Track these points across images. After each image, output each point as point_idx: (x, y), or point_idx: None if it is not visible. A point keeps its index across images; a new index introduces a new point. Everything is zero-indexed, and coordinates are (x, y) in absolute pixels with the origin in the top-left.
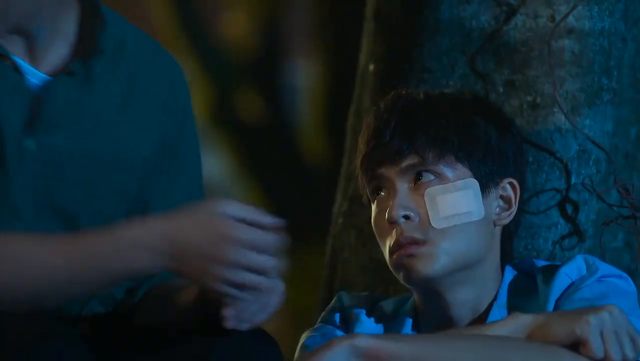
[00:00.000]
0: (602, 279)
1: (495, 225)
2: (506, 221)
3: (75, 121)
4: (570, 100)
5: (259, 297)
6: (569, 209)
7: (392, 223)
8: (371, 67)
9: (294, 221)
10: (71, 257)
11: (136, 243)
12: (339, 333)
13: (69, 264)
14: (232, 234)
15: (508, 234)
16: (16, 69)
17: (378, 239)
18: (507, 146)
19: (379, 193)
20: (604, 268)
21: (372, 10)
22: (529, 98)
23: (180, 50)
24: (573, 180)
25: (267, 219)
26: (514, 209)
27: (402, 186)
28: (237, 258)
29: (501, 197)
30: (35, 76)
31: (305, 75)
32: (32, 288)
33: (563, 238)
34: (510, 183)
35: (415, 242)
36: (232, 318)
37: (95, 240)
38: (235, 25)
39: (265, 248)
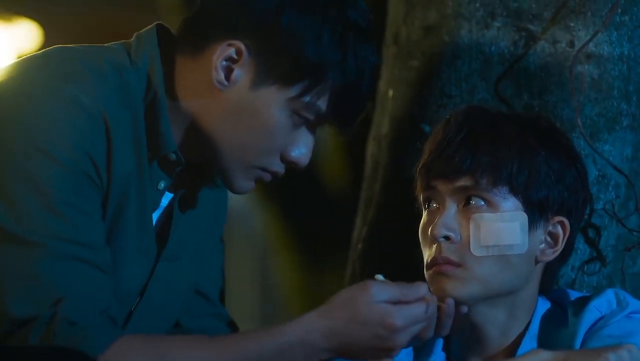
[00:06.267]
0: (631, 315)
1: (537, 261)
2: (549, 259)
3: (185, 249)
4: (590, 125)
5: None
6: (591, 234)
7: (434, 239)
8: (390, 92)
9: (313, 247)
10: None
11: (298, 344)
12: None
13: None
14: (392, 325)
15: (551, 270)
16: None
17: (421, 246)
18: (567, 183)
19: (430, 203)
20: (634, 304)
21: (392, 35)
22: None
23: None
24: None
25: (417, 291)
26: (560, 248)
27: (451, 205)
28: (402, 342)
29: (549, 233)
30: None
31: None
32: None
33: (587, 262)
34: (561, 222)
35: (451, 263)
36: None
37: (260, 343)
38: None
39: (423, 320)
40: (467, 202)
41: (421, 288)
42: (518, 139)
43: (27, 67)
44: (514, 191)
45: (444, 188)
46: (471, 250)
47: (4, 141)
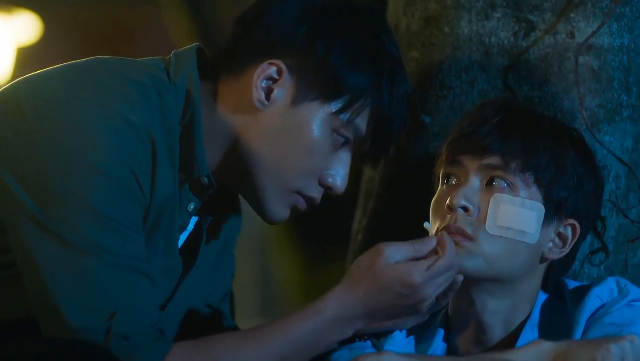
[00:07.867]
0: (632, 303)
1: (542, 258)
2: (554, 257)
3: (203, 265)
4: (590, 116)
5: None
6: (598, 225)
7: (451, 209)
8: None
9: (313, 238)
10: (284, 347)
11: (336, 320)
12: (368, 349)
13: (282, 352)
14: (412, 283)
15: (553, 272)
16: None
17: (430, 218)
18: (586, 191)
19: (449, 179)
20: (635, 291)
21: (392, 26)
22: (548, 114)
23: None
24: None
25: (430, 243)
26: (566, 250)
27: (475, 180)
28: (427, 294)
29: (559, 234)
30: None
31: None
32: None
33: (592, 253)
34: (573, 225)
35: (463, 234)
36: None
37: (302, 326)
38: None
39: (444, 269)
40: (490, 182)
41: (432, 240)
42: (552, 135)
43: (74, 83)
44: (538, 183)
45: (470, 163)
46: (486, 227)
47: (55, 154)
